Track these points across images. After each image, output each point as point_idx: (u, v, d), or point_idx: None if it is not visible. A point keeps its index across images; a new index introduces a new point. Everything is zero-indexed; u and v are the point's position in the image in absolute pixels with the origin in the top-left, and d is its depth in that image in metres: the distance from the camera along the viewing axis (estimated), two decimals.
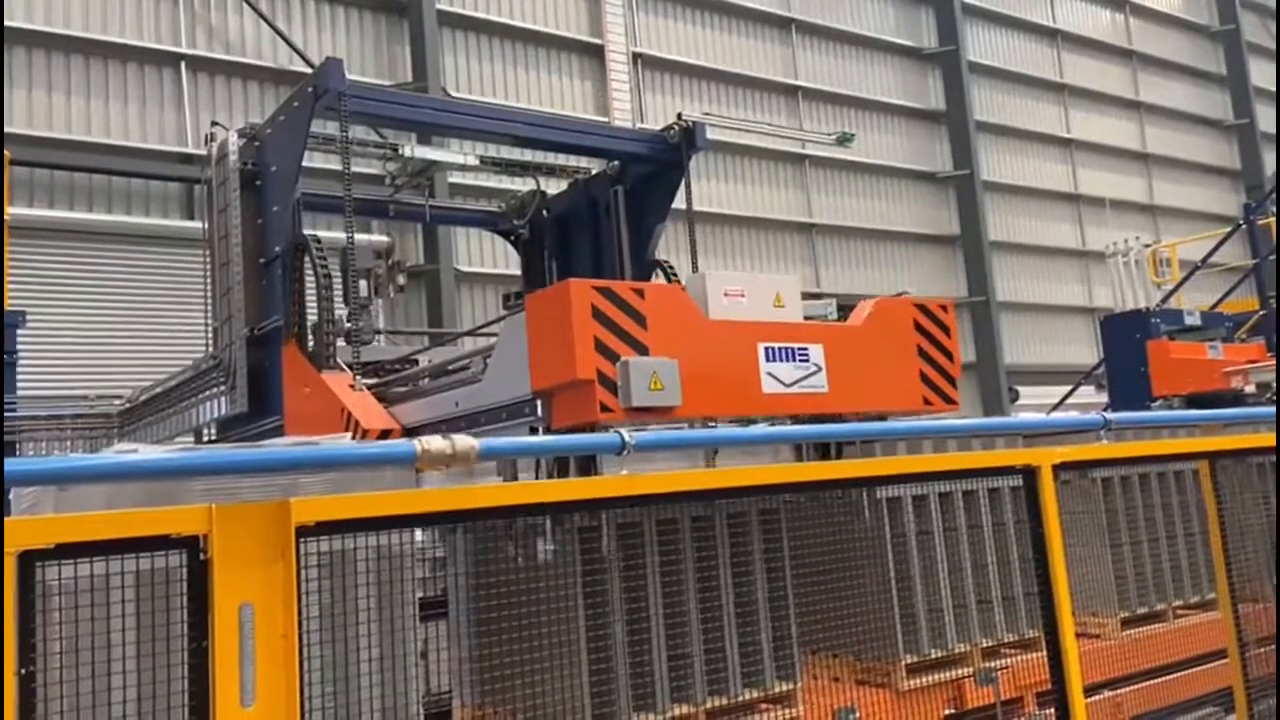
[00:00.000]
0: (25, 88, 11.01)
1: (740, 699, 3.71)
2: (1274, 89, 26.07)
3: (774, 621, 3.84)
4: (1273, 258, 14.73)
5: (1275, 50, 25.50)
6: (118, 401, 8.74)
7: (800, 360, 3.61)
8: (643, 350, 3.25)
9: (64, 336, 10.68)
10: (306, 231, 7.02)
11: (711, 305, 3.72)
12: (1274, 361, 9.98)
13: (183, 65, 12.06)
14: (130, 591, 2.18)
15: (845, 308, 4.15)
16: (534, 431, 3.50)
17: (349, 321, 5.70)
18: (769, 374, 3.54)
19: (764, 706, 3.76)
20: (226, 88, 12.40)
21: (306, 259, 6.03)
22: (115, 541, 2.05)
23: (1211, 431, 5.59)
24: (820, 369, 3.65)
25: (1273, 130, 25.41)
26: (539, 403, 3.45)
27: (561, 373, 3.21)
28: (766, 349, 3.54)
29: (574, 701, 3.36)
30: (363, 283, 5.89)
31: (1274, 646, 4.31)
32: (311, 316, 5.98)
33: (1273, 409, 5.37)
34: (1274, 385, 9.30)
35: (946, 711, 4.22)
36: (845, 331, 3.75)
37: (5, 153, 7.40)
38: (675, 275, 7.17)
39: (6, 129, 10.46)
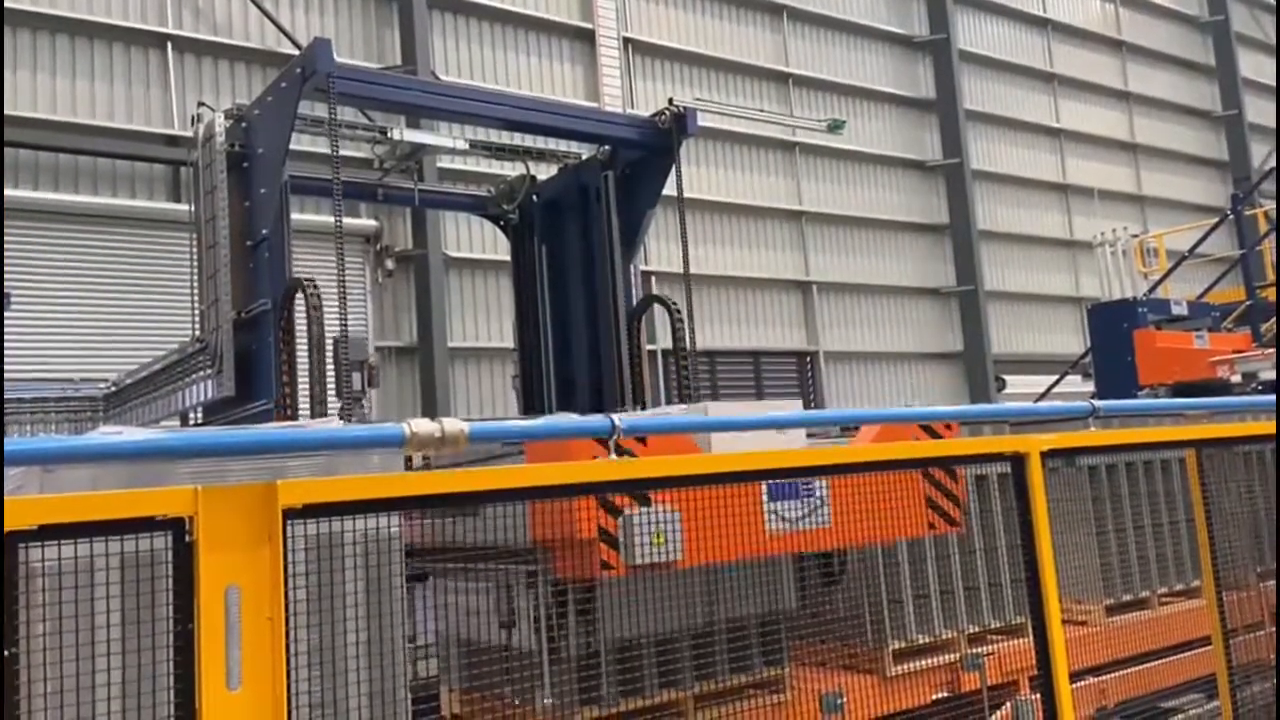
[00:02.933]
0: (10, 68, 10.88)
1: (728, 684, 3.72)
2: (1262, 80, 26.15)
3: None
4: (1259, 249, 14.78)
5: (1275, 44, 25.56)
6: (103, 385, 8.68)
7: (805, 496, 3.49)
8: (645, 501, 3.14)
9: (49, 319, 10.59)
10: (295, 216, 7.01)
11: (714, 439, 3.64)
12: (1259, 352, 10.03)
13: (169, 46, 11.93)
14: (115, 574, 2.16)
15: (848, 428, 4.03)
16: (531, 576, 3.38)
17: (341, 417, 5.58)
18: (773, 513, 3.41)
19: (751, 692, 3.77)
20: (213, 69, 12.29)
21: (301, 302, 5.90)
22: (100, 523, 2.03)
23: (1196, 421, 5.62)
24: (824, 503, 3.53)
25: (1260, 121, 25.50)
26: (539, 551, 3.30)
27: (562, 528, 3.09)
28: (771, 487, 3.41)
29: (560, 686, 3.37)
30: (356, 375, 5.84)
31: (1258, 634, 4.34)
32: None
33: (1270, 398, 5.39)
34: (1259, 375, 9.36)
35: (933, 696, 4.24)
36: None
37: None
38: (678, 311, 7.17)
39: None
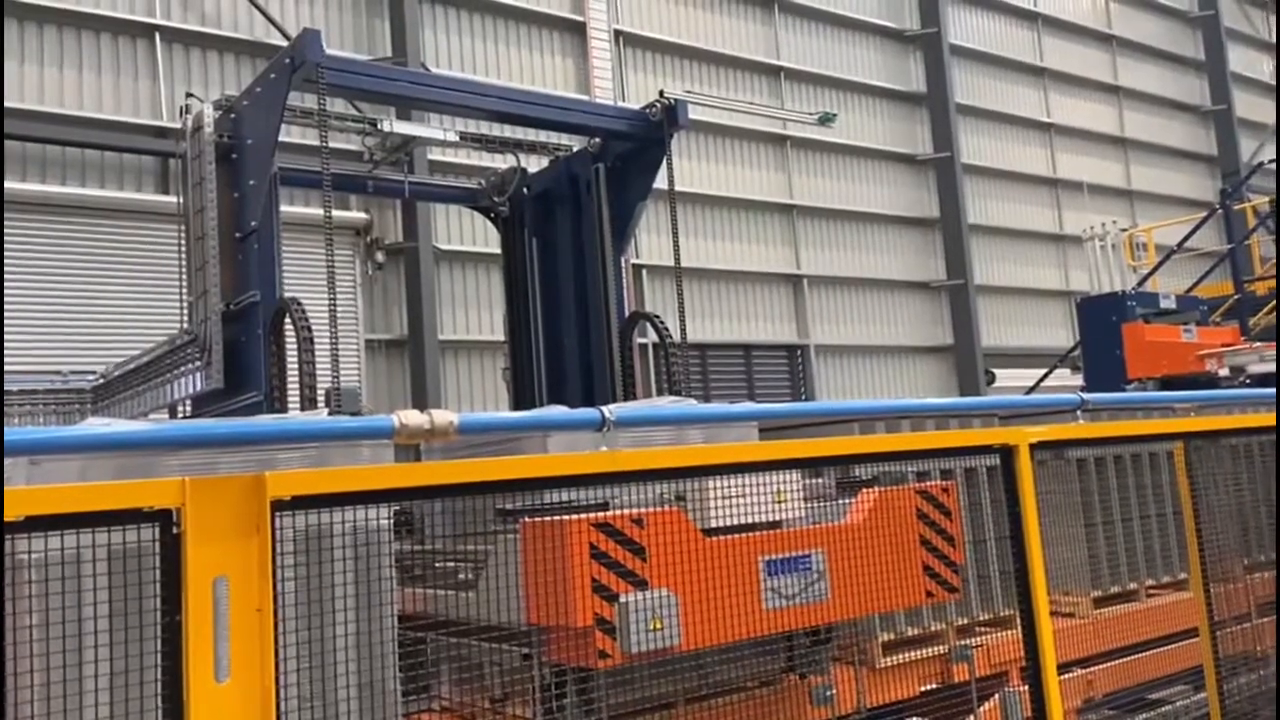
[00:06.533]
0: None
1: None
2: (1251, 75, 26.25)
3: None
4: (1247, 243, 14.87)
5: (1275, 39, 25.65)
6: (91, 377, 8.64)
7: (802, 570, 3.44)
8: (642, 584, 3.08)
9: (36, 311, 10.54)
10: (284, 208, 6.98)
11: (712, 507, 3.51)
12: (1247, 345, 10.09)
13: (157, 36, 11.87)
14: (102, 565, 2.15)
15: (846, 485, 3.99)
16: (526, 659, 3.33)
17: None
18: (771, 590, 3.36)
19: (744, 684, 3.77)
20: (202, 60, 12.23)
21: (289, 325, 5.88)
22: (87, 514, 2.02)
23: (1184, 414, 5.65)
24: (822, 575, 3.48)
25: (1249, 116, 25.60)
26: (534, 634, 3.23)
27: (557, 615, 3.03)
28: (768, 563, 3.36)
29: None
30: None
31: (1245, 626, 4.37)
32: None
33: (1261, 390, 5.42)
34: (1247, 368, 9.42)
35: (922, 688, 4.25)
36: (847, 531, 3.58)
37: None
38: (665, 327, 7.17)
39: None
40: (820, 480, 4.03)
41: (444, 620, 3.38)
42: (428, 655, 3.49)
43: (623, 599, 3.01)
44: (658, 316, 7.33)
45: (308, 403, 5.72)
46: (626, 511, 3.10)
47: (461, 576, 3.59)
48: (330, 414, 5.63)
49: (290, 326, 5.95)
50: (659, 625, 3.04)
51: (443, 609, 3.46)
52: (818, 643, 3.95)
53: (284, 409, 5.89)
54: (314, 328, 5.88)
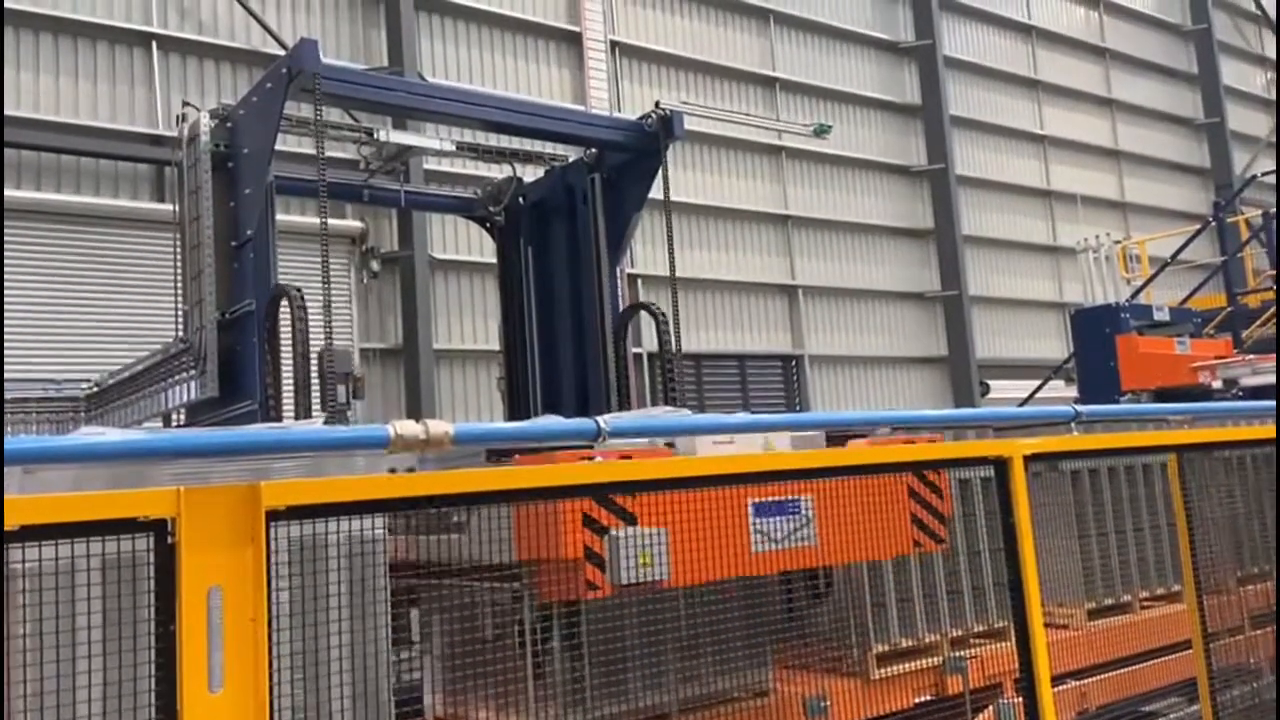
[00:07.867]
0: None
1: (712, 688, 3.72)
2: (1243, 88, 26.39)
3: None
4: (1240, 255, 14.93)
5: (1276, 52, 25.81)
6: (85, 385, 8.62)
7: (791, 513, 3.47)
8: (631, 520, 3.10)
9: (30, 319, 10.51)
10: (280, 217, 6.99)
11: (700, 454, 3.60)
12: (1240, 357, 10.12)
13: (154, 45, 11.88)
14: (96, 575, 2.15)
15: (834, 439, 4.01)
16: (518, 598, 3.34)
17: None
18: (759, 531, 3.40)
19: (735, 695, 3.77)
20: (199, 68, 12.24)
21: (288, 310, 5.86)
22: (81, 524, 2.02)
23: (1178, 426, 5.67)
24: (810, 520, 3.51)
25: (1242, 129, 25.72)
26: (524, 571, 3.25)
27: (547, 548, 3.05)
28: (756, 505, 3.39)
29: (547, 691, 3.37)
30: (341, 388, 5.84)
31: (1238, 638, 4.38)
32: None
33: (1255, 403, 5.44)
34: (1240, 380, 9.45)
35: (916, 699, 4.25)
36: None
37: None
38: (664, 317, 7.17)
39: None
40: (809, 434, 4.06)
41: (434, 563, 3.37)
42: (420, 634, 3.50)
43: (612, 532, 3.03)
44: (655, 305, 7.31)
45: (302, 378, 5.70)
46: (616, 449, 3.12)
47: (455, 519, 3.59)
48: (322, 372, 5.61)
49: (286, 321, 5.93)
50: (648, 560, 3.07)
51: (434, 554, 3.45)
52: (816, 596, 3.97)
53: (279, 418, 5.89)
54: (309, 333, 5.87)
